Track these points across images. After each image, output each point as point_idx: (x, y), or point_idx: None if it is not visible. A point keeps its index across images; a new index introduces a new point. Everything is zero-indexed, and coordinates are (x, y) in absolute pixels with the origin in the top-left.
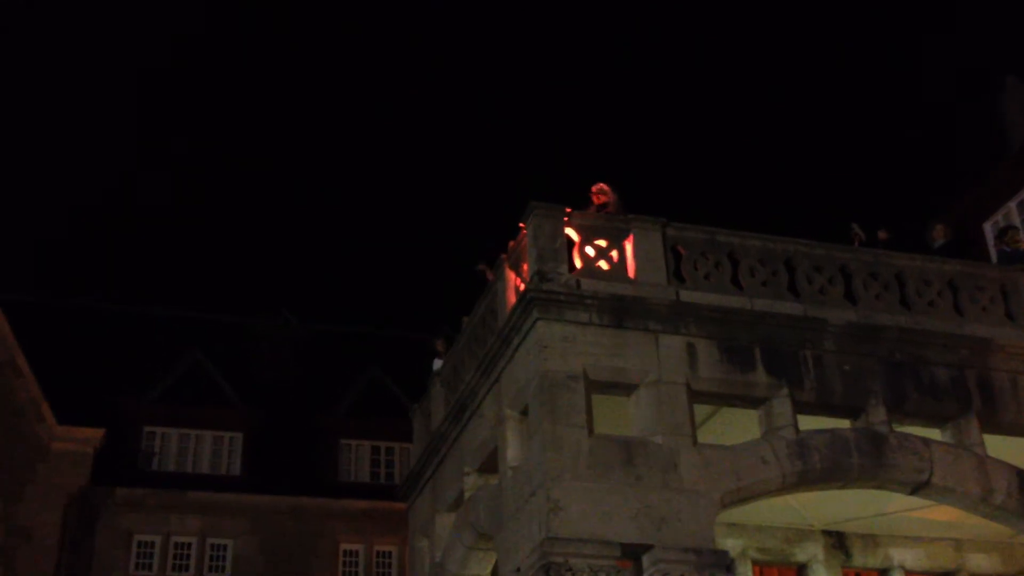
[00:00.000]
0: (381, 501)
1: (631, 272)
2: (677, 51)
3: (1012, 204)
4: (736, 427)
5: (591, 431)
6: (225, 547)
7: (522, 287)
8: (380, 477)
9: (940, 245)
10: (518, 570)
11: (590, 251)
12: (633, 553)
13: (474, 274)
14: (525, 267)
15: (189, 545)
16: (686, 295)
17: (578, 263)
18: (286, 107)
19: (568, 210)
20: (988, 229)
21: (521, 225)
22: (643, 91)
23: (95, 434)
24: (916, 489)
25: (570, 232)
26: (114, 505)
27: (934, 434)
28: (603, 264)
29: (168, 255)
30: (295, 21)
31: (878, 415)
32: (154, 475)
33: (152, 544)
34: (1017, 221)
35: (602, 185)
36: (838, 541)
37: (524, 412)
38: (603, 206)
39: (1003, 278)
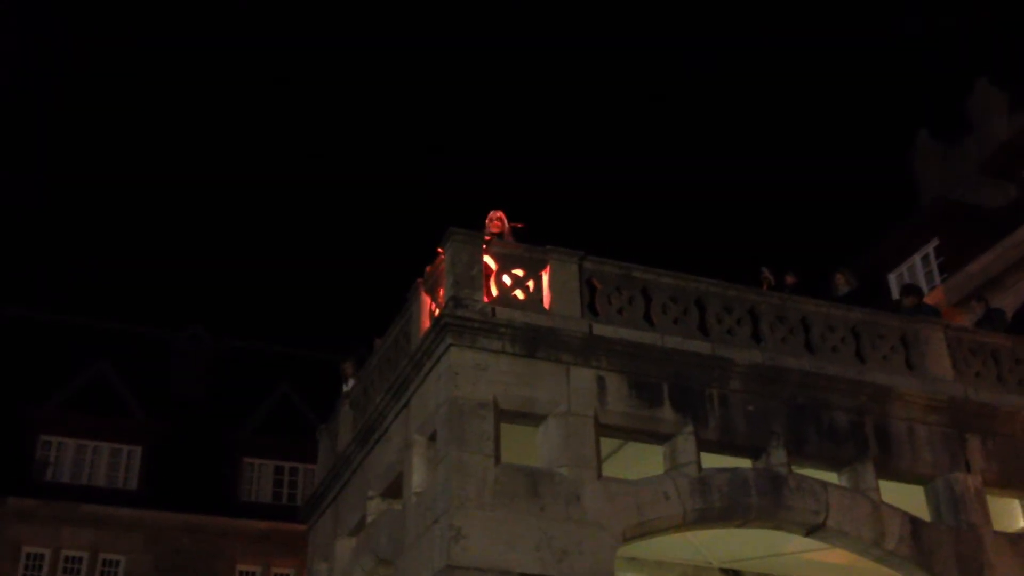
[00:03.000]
0: (281, 522)
1: (546, 303)
2: (600, 93)
3: (916, 257)
4: (641, 462)
5: (498, 460)
6: (117, 563)
7: (437, 312)
8: (283, 497)
9: (844, 293)
10: None
11: (507, 280)
12: None
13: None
14: (441, 292)
15: (80, 559)
16: (599, 329)
17: (494, 291)
18: (204, 122)
19: (487, 237)
20: (892, 280)
21: (439, 250)
22: (565, 127)
23: None
24: (812, 531)
25: (488, 260)
26: (4, 515)
27: (831, 477)
28: (519, 293)
29: (83, 265)
30: (217, 53)
31: (779, 456)
32: (48, 486)
33: (41, 557)
34: (921, 274)
35: (499, 213)
36: None
37: (432, 438)
38: (499, 234)
39: (905, 328)
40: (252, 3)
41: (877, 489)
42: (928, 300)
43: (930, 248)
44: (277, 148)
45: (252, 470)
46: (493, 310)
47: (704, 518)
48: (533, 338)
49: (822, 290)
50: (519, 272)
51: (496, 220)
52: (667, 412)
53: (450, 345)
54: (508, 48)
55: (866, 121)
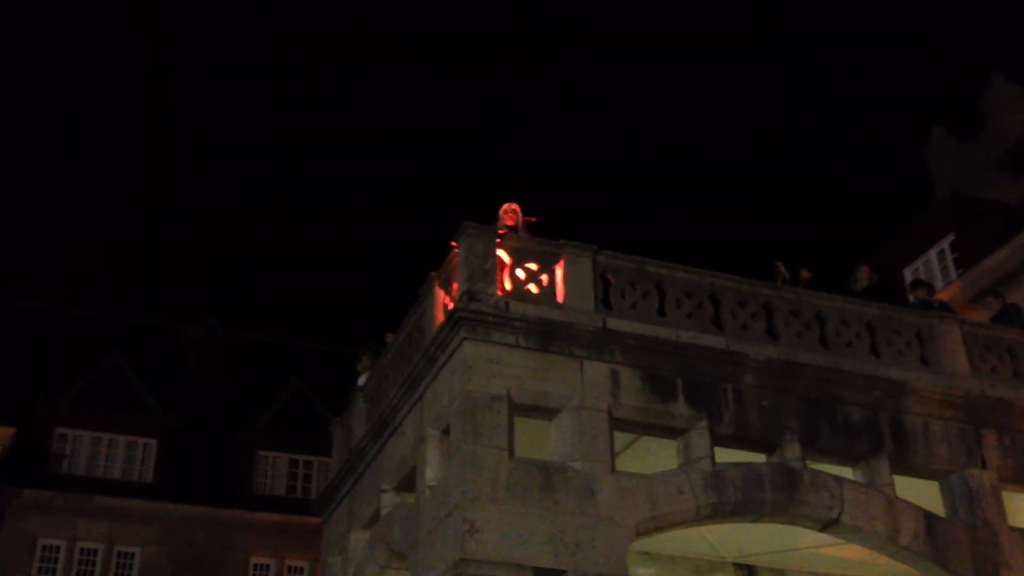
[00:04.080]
0: (296, 515)
1: (560, 297)
2: (612, 88)
3: (932, 252)
4: (655, 456)
5: (511, 454)
6: (132, 555)
7: (451, 306)
8: (297, 491)
9: (863, 287)
10: None
11: (520, 274)
12: None
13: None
14: (455, 286)
15: (95, 551)
16: (613, 323)
17: (508, 285)
18: (214, 113)
19: (501, 231)
20: (908, 275)
21: (453, 244)
22: (581, 123)
23: (4, 433)
24: (826, 526)
25: (501, 253)
26: (20, 507)
27: (846, 472)
28: (532, 287)
29: (98, 258)
30: (224, 46)
31: (793, 451)
32: (63, 478)
33: (57, 549)
34: (936, 269)
35: (514, 205)
36: (748, 574)
37: (446, 432)
38: (514, 227)
39: (920, 323)
40: None
41: (892, 484)
42: (943, 295)
43: (945, 243)
44: (289, 141)
45: (266, 463)
46: (507, 304)
47: (718, 513)
48: (547, 332)
49: (837, 285)
50: (533, 266)
51: (511, 212)
52: (681, 406)
53: (464, 339)
54: (522, 39)
55: (881, 116)
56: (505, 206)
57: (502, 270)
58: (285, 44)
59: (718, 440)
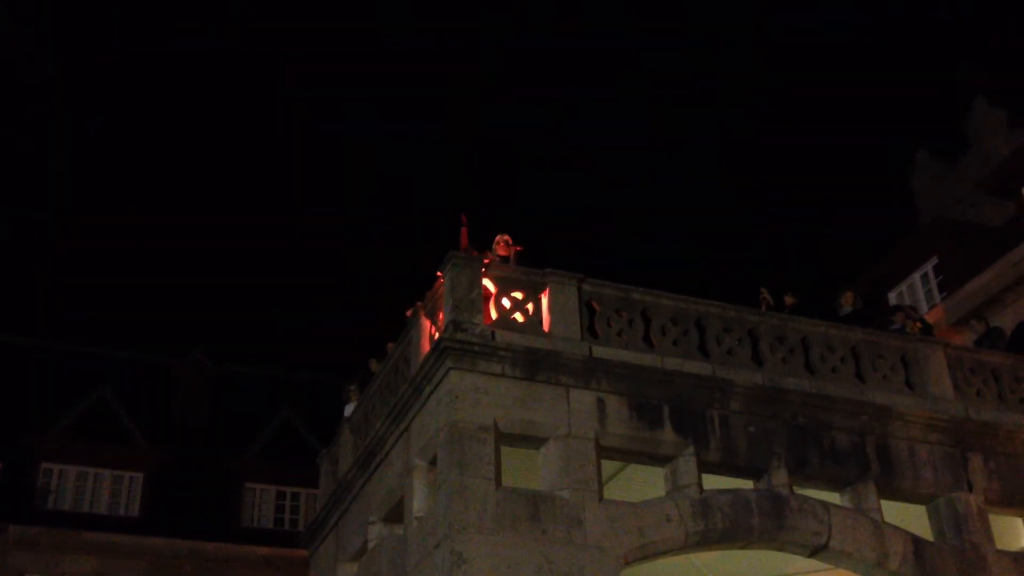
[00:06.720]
0: (284, 548)
1: (546, 326)
2: (594, 113)
3: (916, 276)
4: (642, 484)
5: (499, 484)
6: None
7: (437, 336)
8: (285, 523)
9: (848, 312)
10: None
11: (506, 303)
12: None
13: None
14: (441, 316)
15: None
16: (599, 351)
17: (494, 314)
18: (201, 144)
19: (486, 261)
20: (892, 299)
21: (439, 274)
22: (559, 150)
23: None
24: (814, 552)
25: (487, 283)
26: (6, 543)
27: (833, 498)
28: (518, 316)
29: (82, 291)
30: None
31: (780, 477)
32: (49, 513)
33: None
34: (920, 292)
35: (507, 237)
36: None
37: (433, 462)
38: (506, 258)
39: (904, 348)
40: (253, 10)
41: (879, 509)
42: (928, 319)
43: (929, 267)
44: (277, 171)
45: (254, 496)
46: (493, 333)
47: (706, 540)
48: (533, 361)
49: (821, 310)
50: (518, 295)
51: (503, 243)
52: (668, 434)
53: (450, 369)
54: (505, 70)
55: (865, 140)
56: (498, 237)
57: (488, 299)
58: (275, 67)
59: (705, 467)
